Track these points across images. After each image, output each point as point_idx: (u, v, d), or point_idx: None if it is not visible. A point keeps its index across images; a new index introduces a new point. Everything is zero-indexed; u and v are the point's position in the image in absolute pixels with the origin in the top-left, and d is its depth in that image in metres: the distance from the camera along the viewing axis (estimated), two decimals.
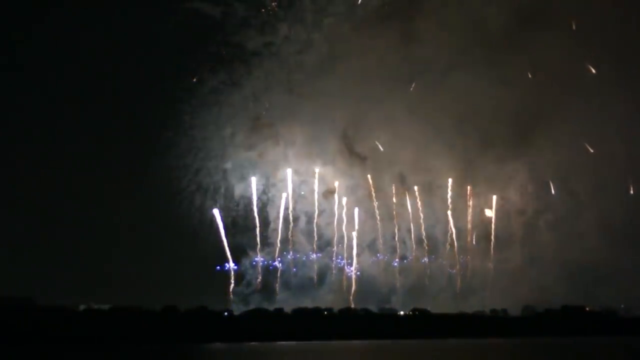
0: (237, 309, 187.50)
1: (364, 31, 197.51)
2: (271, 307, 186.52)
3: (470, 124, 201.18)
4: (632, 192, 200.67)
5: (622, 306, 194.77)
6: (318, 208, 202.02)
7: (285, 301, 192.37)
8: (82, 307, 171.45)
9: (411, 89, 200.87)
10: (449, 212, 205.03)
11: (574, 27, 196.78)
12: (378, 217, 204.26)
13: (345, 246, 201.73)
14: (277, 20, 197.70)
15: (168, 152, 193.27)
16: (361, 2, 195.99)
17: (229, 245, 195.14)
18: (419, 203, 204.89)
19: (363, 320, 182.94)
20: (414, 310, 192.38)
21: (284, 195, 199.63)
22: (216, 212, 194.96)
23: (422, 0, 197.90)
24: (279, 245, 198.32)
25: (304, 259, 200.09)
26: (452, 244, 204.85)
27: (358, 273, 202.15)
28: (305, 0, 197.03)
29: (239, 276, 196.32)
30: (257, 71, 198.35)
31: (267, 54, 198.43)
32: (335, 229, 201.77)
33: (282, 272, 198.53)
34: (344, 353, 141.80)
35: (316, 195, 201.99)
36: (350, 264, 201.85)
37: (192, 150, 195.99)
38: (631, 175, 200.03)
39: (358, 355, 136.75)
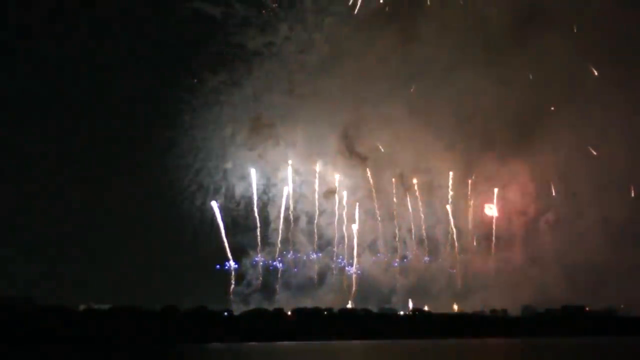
0: (237, 309, 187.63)
1: (364, 31, 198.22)
2: (271, 307, 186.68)
3: (471, 124, 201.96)
4: (633, 194, 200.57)
5: (622, 306, 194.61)
6: (318, 208, 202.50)
7: (285, 301, 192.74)
8: (82, 307, 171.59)
9: (412, 89, 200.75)
10: (449, 212, 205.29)
11: (575, 30, 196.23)
12: (378, 217, 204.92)
13: (345, 246, 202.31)
14: (278, 20, 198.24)
15: (169, 152, 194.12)
16: (362, 2, 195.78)
17: (229, 245, 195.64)
18: (420, 203, 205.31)
19: (363, 320, 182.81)
20: (414, 310, 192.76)
21: (285, 195, 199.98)
22: (214, 204, 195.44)
23: (422, 1, 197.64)
24: (279, 245, 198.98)
25: (304, 259, 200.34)
26: (452, 244, 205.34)
27: (358, 272, 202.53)
28: (306, 1, 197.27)
29: (239, 276, 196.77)
30: (258, 71, 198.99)
31: (268, 53, 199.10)
32: (336, 229, 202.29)
33: (283, 272, 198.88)
34: (344, 353, 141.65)
35: (316, 195, 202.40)
36: (351, 264, 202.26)
37: (192, 150, 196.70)
38: (632, 176, 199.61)
39: (358, 355, 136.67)
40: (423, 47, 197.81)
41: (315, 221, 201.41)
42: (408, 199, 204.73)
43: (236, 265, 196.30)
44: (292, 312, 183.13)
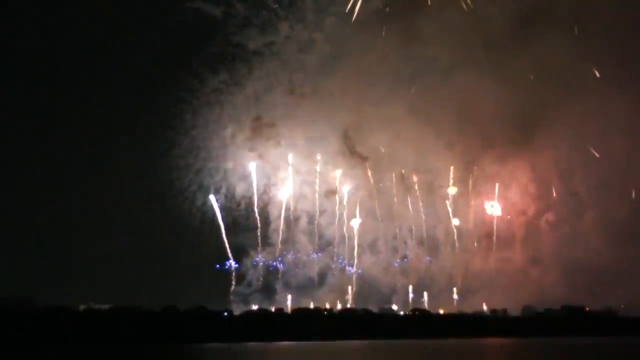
0: (237, 309, 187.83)
1: (365, 31, 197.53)
2: (271, 307, 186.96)
3: (472, 124, 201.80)
4: (633, 195, 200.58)
5: (622, 306, 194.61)
6: (319, 208, 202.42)
7: (285, 301, 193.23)
8: (82, 307, 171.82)
9: (412, 89, 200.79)
10: (450, 212, 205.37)
11: (576, 30, 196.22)
12: (379, 217, 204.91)
13: (346, 246, 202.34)
14: (278, 20, 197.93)
15: (169, 152, 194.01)
16: (362, 2, 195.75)
17: (229, 245, 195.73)
18: (420, 203, 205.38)
19: (363, 320, 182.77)
20: (414, 310, 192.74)
21: (285, 195, 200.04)
22: (212, 198, 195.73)
23: (423, 1, 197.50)
24: (279, 245, 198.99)
25: (304, 259, 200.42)
26: (452, 244, 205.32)
27: (359, 273, 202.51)
28: (306, 0, 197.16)
29: (240, 276, 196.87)
30: (259, 71, 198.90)
31: (268, 53, 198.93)
32: (336, 229, 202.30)
33: (283, 272, 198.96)
34: (344, 353, 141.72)
35: (317, 195, 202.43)
36: (351, 264, 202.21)
37: (193, 150, 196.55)
38: (633, 176, 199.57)
39: (358, 355, 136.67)
40: (423, 47, 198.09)
41: (316, 221, 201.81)
42: (408, 198, 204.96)
43: (236, 265, 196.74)
44: (292, 312, 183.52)
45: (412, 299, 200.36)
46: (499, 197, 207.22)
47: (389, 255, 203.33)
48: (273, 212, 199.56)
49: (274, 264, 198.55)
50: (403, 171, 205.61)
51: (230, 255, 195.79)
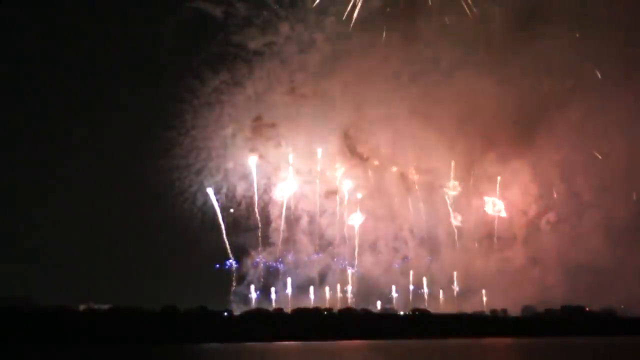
0: (237, 309, 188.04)
1: (365, 31, 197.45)
2: (271, 307, 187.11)
3: (473, 124, 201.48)
4: (635, 197, 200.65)
5: (622, 306, 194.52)
6: (319, 208, 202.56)
7: (285, 301, 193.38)
8: (82, 307, 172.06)
9: (413, 89, 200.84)
10: (450, 212, 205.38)
11: (577, 31, 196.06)
12: (380, 217, 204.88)
13: (346, 246, 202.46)
14: (279, 20, 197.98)
15: (170, 152, 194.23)
16: (363, 2, 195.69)
17: (230, 245, 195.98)
18: (421, 203, 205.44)
19: (363, 320, 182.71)
20: (414, 310, 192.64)
21: (286, 195, 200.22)
22: (210, 191, 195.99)
23: (424, 1, 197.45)
24: (280, 245, 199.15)
25: (305, 258, 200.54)
26: (453, 244, 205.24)
27: (359, 272, 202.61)
28: (307, 0, 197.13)
29: (240, 276, 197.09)
30: (259, 71, 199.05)
31: (269, 53, 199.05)
32: (337, 229, 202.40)
33: (283, 272, 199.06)
34: (344, 353, 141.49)
35: (317, 196, 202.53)
36: (352, 264, 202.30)
37: (193, 151, 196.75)
38: (634, 177, 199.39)
39: (358, 355, 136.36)
40: (424, 47, 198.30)
41: (317, 221, 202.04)
42: (409, 198, 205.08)
43: (237, 265, 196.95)
44: (292, 312, 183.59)
45: (412, 299, 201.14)
46: (500, 197, 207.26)
47: (390, 255, 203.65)
48: (273, 212, 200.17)
49: (275, 264, 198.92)
50: (403, 171, 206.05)
51: (230, 255, 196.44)
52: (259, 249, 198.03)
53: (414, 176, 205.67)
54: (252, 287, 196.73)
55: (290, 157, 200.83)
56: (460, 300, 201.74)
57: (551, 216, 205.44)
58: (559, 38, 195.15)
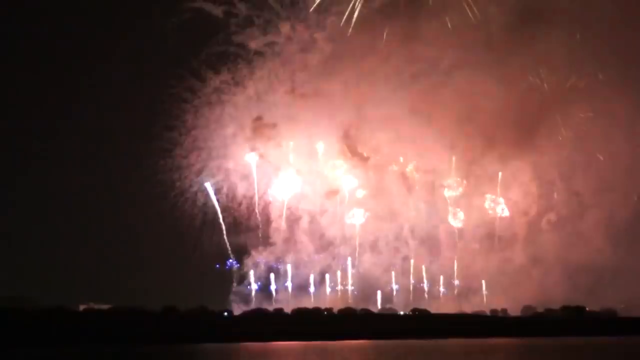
0: (237, 309, 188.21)
1: (366, 31, 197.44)
2: (271, 307, 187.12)
3: (473, 123, 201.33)
4: (635, 197, 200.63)
5: (622, 306, 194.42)
6: (320, 208, 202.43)
7: (285, 301, 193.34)
8: (82, 307, 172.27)
9: (413, 89, 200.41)
10: (451, 212, 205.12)
11: (578, 31, 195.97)
12: (380, 217, 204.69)
13: (347, 246, 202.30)
14: (280, 20, 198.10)
15: (170, 152, 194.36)
16: (364, 2, 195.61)
17: (230, 245, 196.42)
18: (421, 203, 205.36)
19: (363, 320, 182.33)
20: (414, 310, 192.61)
21: (286, 195, 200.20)
22: (208, 185, 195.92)
23: (424, 1, 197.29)
24: (280, 245, 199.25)
25: (305, 258, 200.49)
26: (453, 244, 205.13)
27: (359, 272, 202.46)
28: (307, 0, 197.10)
29: (240, 276, 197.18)
30: (260, 71, 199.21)
31: (270, 53, 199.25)
32: (337, 229, 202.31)
33: (283, 272, 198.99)
34: (344, 353, 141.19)
35: (318, 195, 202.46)
36: (352, 264, 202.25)
37: (194, 150, 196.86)
38: (635, 177, 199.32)
39: (358, 355, 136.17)
40: (425, 46, 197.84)
41: (317, 221, 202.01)
42: (409, 198, 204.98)
43: (237, 265, 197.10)
44: (292, 312, 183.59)
45: (412, 299, 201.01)
46: (501, 196, 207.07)
47: (390, 255, 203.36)
48: (274, 212, 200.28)
49: (275, 264, 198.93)
50: (404, 171, 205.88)
51: (231, 255, 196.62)
52: (260, 248, 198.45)
53: (414, 176, 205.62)
54: (252, 287, 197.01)
55: (291, 157, 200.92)
56: (461, 300, 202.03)
57: (552, 216, 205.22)
58: (560, 38, 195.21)
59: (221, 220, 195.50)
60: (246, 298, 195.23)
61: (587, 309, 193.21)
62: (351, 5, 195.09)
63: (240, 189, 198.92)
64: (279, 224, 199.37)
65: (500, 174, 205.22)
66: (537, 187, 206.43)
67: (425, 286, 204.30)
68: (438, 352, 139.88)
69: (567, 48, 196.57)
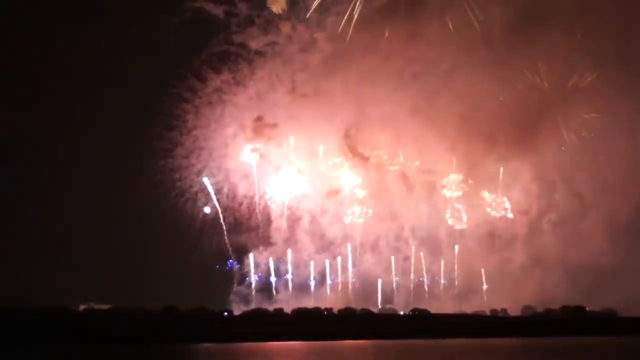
0: (237, 309, 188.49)
1: (367, 31, 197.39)
2: (271, 307, 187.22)
3: (474, 123, 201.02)
4: (637, 198, 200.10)
5: (622, 306, 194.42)
6: (321, 208, 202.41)
7: (285, 301, 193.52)
8: (82, 307, 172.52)
9: (414, 89, 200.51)
10: (451, 212, 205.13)
11: (578, 30, 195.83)
12: (381, 217, 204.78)
13: (347, 246, 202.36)
14: (280, 20, 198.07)
15: (171, 152, 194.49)
16: (365, 1, 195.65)
17: (230, 245, 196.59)
18: (422, 203, 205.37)
19: (363, 320, 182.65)
20: (414, 310, 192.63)
21: (287, 195, 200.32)
22: (206, 180, 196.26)
23: (425, 0, 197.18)
24: (281, 244, 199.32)
25: (305, 258, 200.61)
26: (454, 244, 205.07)
27: (360, 272, 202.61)
28: (308, 0, 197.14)
29: (240, 276, 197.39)
30: (261, 71, 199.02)
31: (271, 53, 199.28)
32: (338, 229, 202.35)
33: (283, 271, 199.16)
34: (344, 353, 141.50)
35: (319, 195, 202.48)
36: (352, 264, 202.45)
37: (195, 151, 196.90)
38: (636, 178, 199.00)
39: (358, 355, 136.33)
40: (425, 46, 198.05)
41: (318, 221, 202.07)
42: (410, 198, 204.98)
43: (237, 265, 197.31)
44: (292, 312, 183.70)
45: (412, 299, 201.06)
46: (501, 197, 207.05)
47: (390, 255, 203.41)
48: (274, 211, 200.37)
49: (275, 264, 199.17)
50: (404, 171, 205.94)
51: (231, 255, 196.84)
52: (260, 248, 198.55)
53: (415, 176, 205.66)
54: (253, 287, 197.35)
55: (292, 157, 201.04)
56: (461, 300, 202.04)
57: (552, 216, 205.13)
58: (561, 38, 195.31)
59: (222, 220, 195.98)
60: (246, 298, 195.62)
61: (587, 309, 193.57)
62: (352, 5, 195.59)
63: (241, 189, 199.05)
64: (280, 224, 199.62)
65: (501, 172, 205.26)
66: (537, 187, 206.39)
67: (426, 286, 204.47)
68: (438, 352, 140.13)
69: (568, 48, 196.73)
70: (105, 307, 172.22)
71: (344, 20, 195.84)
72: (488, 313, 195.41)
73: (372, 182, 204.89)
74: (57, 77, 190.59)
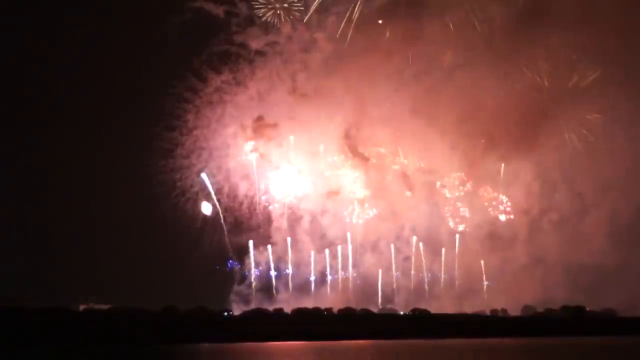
0: (237, 309, 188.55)
1: (367, 30, 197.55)
2: (271, 307, 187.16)
3: (475, 123, 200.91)
4: (638, 197, 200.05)
5: (622, 306, 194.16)
6: (321, 208, 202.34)
7: (285, 301, 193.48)
8: (82, 307, 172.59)
9: (415, 89, 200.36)
10: (452, 212, 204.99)
11: (580, 29, 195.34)
12: (381, 217, 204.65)
13: (348, 246, 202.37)
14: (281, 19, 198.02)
15: (171, 152, 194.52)
16: (365, 1, 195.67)
17: (231, 245, 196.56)
18: (423, 203, 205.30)
19: (363, 320, 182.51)
20: (414, 310, 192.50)
21: (287, 195, 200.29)
22: (204, 176, 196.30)
23: (425, 0, 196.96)
24: (281, 244, 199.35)
25: (306, 258, 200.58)
26: (454, 244, 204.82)
27: (360, 272, 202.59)
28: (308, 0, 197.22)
29: (240, 276, 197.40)
30: (261, 71, 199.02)
31: (271, 53, 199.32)
32: (338, 229, 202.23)
33: (283, 271, 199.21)
34: (344, 353, 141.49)
35: (319, 195, 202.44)
36: (352, 264, 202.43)
37: (195, 150, 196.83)
38: (637, 178, 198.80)
39: (358, 355, 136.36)
40: (426, 46, 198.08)
41: (318, 221, 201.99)
42: (410, 198, 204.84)
43: (238, 265, 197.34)
44: (292, 312, 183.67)
45: (413, 299, 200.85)
46: (502, 196, 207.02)
47: (390, 255, 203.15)
48: (275, 211, 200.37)
49: (275, 264, 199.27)
50: (405, 171, 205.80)
51: (231, 255, 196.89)
52: (260, 248, 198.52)
53: (415, 175, 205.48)
54: (253, 286, 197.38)
55: (292, 157, 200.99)
56: (461, 300, 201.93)
57: (553, 215, 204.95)
58: (562, 37, 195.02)
59: (222, 220, 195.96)
60: (246, 298, 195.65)
61: (587, 309, 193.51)
62: (352, 4, 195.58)
63: (241, 189, 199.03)
64: (280, 224, 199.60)
65: (502, 171, 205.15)
66: (538, 186, 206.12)
67: (426, 286, 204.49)
68: (438, 352, 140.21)
69: (569, 47, 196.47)
70: (105, 307, 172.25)
71: (344, 21, 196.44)
72: (488, 313, 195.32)
73: (373, 182, 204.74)
74: (57, 77, 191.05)
